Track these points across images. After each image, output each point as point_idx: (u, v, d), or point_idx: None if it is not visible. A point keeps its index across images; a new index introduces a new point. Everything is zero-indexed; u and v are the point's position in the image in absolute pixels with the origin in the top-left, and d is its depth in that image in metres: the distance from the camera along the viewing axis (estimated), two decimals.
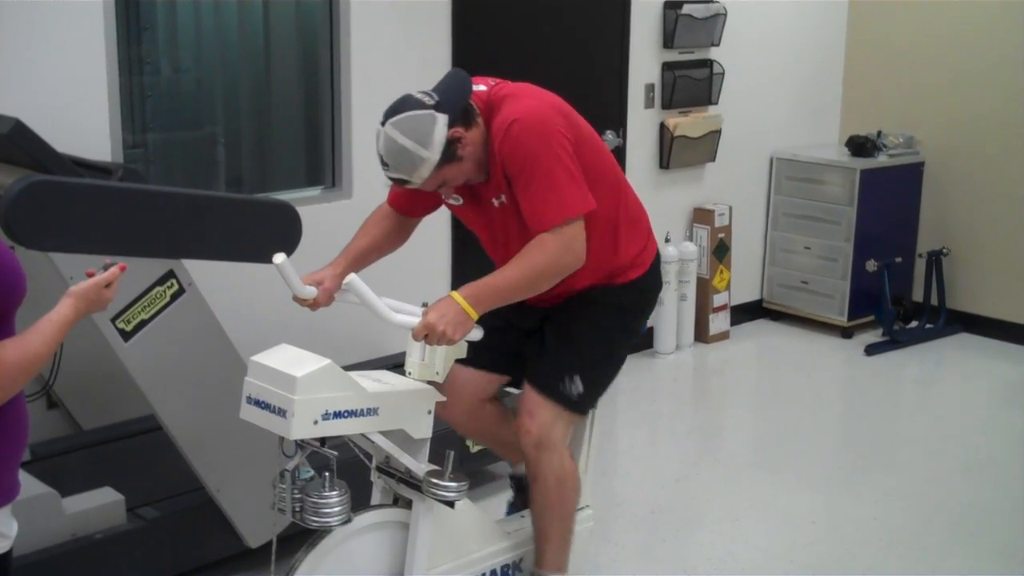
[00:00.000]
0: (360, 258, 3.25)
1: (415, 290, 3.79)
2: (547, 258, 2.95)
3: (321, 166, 5.12)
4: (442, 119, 2.93)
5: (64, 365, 3.91)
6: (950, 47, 6.93)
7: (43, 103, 4.01)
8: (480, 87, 3.11)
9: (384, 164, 2.98)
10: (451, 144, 2.94)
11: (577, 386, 3.25)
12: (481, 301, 2.90)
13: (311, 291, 3.07)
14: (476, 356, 3.13)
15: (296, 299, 3.09)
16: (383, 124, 2.96)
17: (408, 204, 3.34)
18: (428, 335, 2.84)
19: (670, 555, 4.28)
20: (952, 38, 6.92)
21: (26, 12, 3.98)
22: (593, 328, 3.30)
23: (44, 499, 3.42)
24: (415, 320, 2.87)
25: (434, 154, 2.92)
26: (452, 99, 2.98)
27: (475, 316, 2.88)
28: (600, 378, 3.36)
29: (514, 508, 3.71)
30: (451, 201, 3.24)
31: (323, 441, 2.82)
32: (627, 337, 3.43)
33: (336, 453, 2.81)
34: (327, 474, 2.81)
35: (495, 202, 3.10)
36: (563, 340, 3.29)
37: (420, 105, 2.94)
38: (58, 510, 3.45)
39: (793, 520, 4.58)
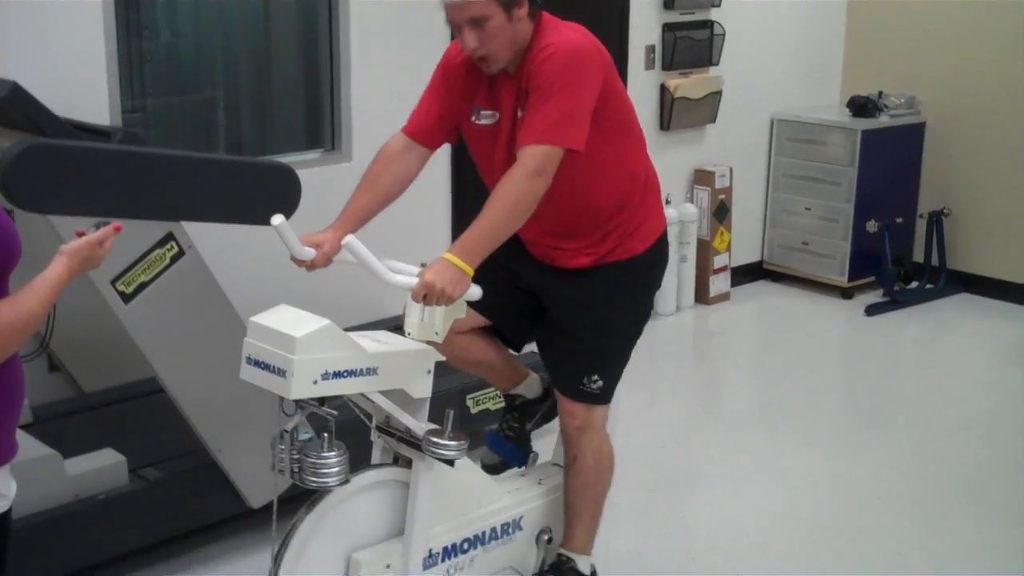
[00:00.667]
0: (362, 215, 3.22)
1: (416, 251, 3.78)
2: (517, 187, 2.93)
3: (321, 129, 5.11)
4: None
5: (64, 328, 3.92)
6: (951, 7, 6.90)
7: (42, 67, 4.01)
8: None
9: None
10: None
11: (597, 382, 3.34)
12: (471, 253, 2.89)
13: (309, 252, 3.07)
14: None
15: (294, 260, 3.09)
16: None
17: (429, 129, 3.28)
18: (427, 295, 2.84)
19: (671, 515, 4.31)
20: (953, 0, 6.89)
21: None
22: (603, 325, 3.33)
23: (46, 461, 3.45)
24: (413, 280, 2.87)
25: None
26: None
27: (470, 271, 2.87)
28: (616, 367, 3.42)
29: (497, 431, 3.74)
30: (483, 121, 3.20)
31: (322, 401, 2.82)
32: (638, 321, 3.44)
33: (335, 413, 2.82)
34: (325, 435, 2.81)
35: (519, 113, 3.09)
36: (576, 343, 3.34)
37: None
38: (60, 472, 3.47)
39: (793, 480, 4.60)
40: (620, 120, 3.17)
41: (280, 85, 5.18)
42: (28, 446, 3.49)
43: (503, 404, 3.79)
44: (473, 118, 3.21)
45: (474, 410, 4.45)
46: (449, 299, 2.85)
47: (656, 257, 3.40)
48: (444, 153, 5.21)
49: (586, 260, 3.27)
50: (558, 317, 3.39)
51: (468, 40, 3.01)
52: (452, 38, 5.19)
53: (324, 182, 4.54)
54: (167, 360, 3.47)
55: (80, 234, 2.42)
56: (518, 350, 3.62)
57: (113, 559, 3.62)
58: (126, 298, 3.34)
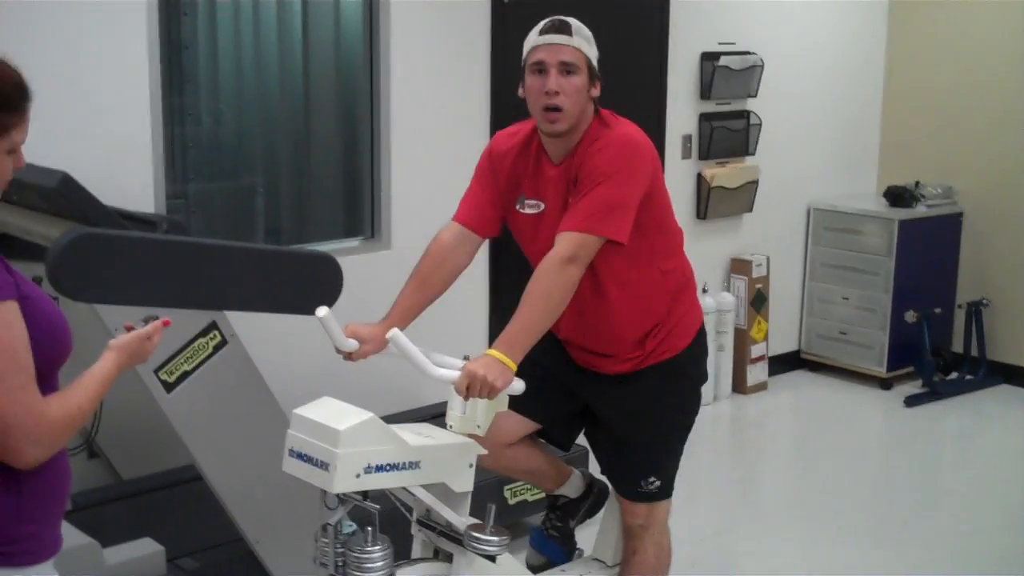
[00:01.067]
0: (412, 313, 3.23)
1: (452, 340, 3.79)
2: (549, 278, 2.95)
3: (360, 217, 5.15)
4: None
5: (105, 416, 3.94)
6: (987, 97, 6.92)
7: (90, 155, 4.07)
8: None
9: (560, 19, 3.07)
10: (597, 74, 3.09)
11: (655, 483, 3.36)
12: (514, 347, 2.89)
13: (352, 344, 3.08)
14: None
15: (338, 351, 3.11)
16: None
17: (481, 216, 3.29)
18: (470, 385, 2.84)
19: None
20: (988, 87, 6.91)
21: (74, 67, 4.05)
22: (654, 427, 3.35)
23: (85, 550, 3.42)
24: (456, 374, 2.87)
25: (594, 54, 3.08)
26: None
27: (513, 365, 2.87)
28: (671, 464, 3.43)
29: (541, 530, 3.72)
30: (528, 210, 3.21)
31: (365, 494, 2.81)
32: (687, 416, 3.45)
33: (378, 507, 2.81)
34: (369, 528, 2.80)
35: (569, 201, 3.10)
36: (629, 447, 3.35)
37: None
38: (99, 561, 3.45)
39: (833, 573, 4.53)
40: (659, 223, 3.18)
41: (320, 172, 5.24)
42: (67, 534, 3.44)
43: (542, 496, 3.77)
44: (518, 207, 3.24)
45: (512, 501, 4.42)
46: (493, 390, 2.84)
47: (697, 351, 3.39)
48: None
49: (628, 366, 3.28)
50: (607, 422, 3.39)
51: (552, 82, 3.04)
52: (492, 130, 5.30)
53: (364, 270, 4.58)
54: (208, 449, 3.46)
55: (128, 328, 2.43)
56: (567, 450, 3.62)
57: None
58: (168, 387, 3.35)
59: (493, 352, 2.88)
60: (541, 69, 3.06)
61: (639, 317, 3.22)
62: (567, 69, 3.03)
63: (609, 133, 3.06)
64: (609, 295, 3.14)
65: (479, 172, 3.34)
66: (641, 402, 3.30)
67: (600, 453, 3.48)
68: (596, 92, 3.10)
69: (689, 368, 3.37)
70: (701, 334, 3.40)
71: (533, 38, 3.09)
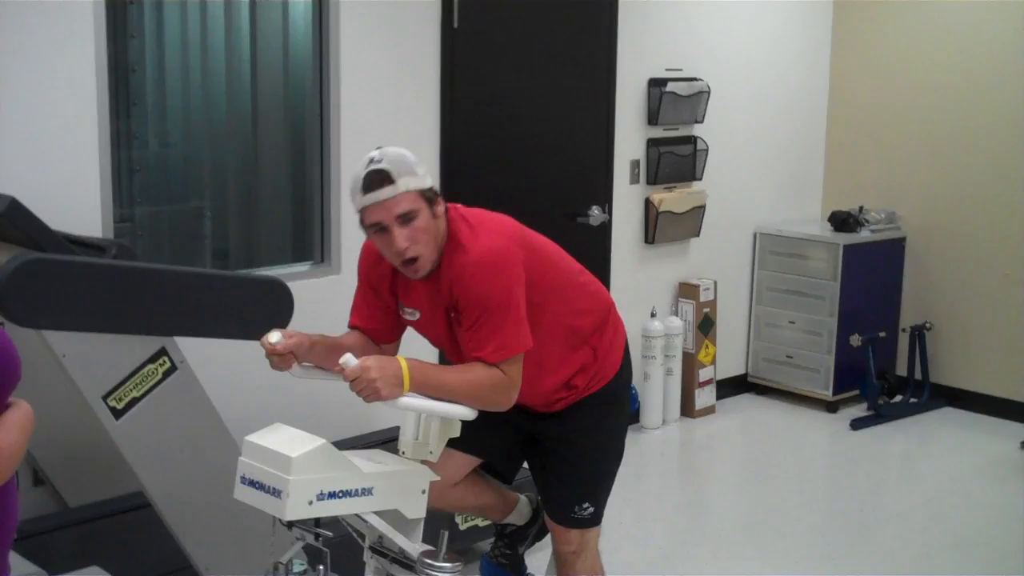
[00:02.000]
0: (339, 348, 3.09)
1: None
2: (489, 390, 2.98)
3: (309, 241, 5.12)
4: (431, 179, 3.03)
5: (50, 442, 3.90)
6: (929, 123, 7.03)
7: (36, 180, 4.03)
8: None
9: (375, 161, 2.93)
10: (434, 193, 2.99)
11: (588, 509, 3.39)
12: (420, 383, 2.87)
13: (276, 336, 2.99)
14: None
15: (265, 342, 2.99)
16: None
17: (372, 320, 3.24)
18: (358, 379, 2.78)
19: None
20: (931, 115, 7.02)
21: (18, 90, 4.01)
22: (589, 455, 3.39)
23: None
24: (354, 361, 2.81)
25: (425, 179, 2.97)
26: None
27: (407, 389, 2.84)
28: (605, 491, 3.47)
29: (489, 558, 3.74)
30: (408, 317, 3.20)
31: (317, 521, 2.80)
32: (620, 440, 3.51)
33: (328, 551, 2.79)
34: (321, 567, 2.79)
35: (452, 315, 3.08)
36: (566, 476, 3.39)
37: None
38: None
39: None
40: (548, 287, 3.16)
41: (268, 196, 5.21)
42: (14, 563, 3.42)
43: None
44: (401, 313, 3.23)
45: (463, 527, 4.41)
46: (373, 395, 2.80)
47: (625, 376, 3.46)
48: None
49: (561, 405, 3.33)
50: (545, 452, 3.43)
51: (399, 241, 2.93)
52: (443, 153, 5.31)
53: (314, 294, 4.56)
54: (156, 476, 3.43)
55: None
56: (509, 482, 3.64)
57: None
58: (117, 414, 3.32)
59: (403, 363, 2.85)
60: (382, 228, 2.96)
61: (560, 374, 3.26)
62: (408, 218, 2.93)
63: (468, 253, 2.98)
64: (526, 369, 3.10)
65: (361, 279, 3.29)
66: (576, 431, 3.35)
67: (540, 478, 3.49)
68: (440, 209, 3.01)
69: (619, 393, 3.44)
70: (626, 356, 3.44)
71: (359, 196, 2.95)
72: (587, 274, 3.39)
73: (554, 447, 3.40)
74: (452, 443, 3.08)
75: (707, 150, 6.63)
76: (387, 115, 5.15)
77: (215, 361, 3.91)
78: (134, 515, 4.04)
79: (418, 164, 2.98)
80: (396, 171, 2.92)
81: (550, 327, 3.16)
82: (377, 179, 2.91)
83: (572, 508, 3.37)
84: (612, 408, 3.41)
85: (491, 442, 3.40)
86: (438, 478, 3.05)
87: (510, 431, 3.42)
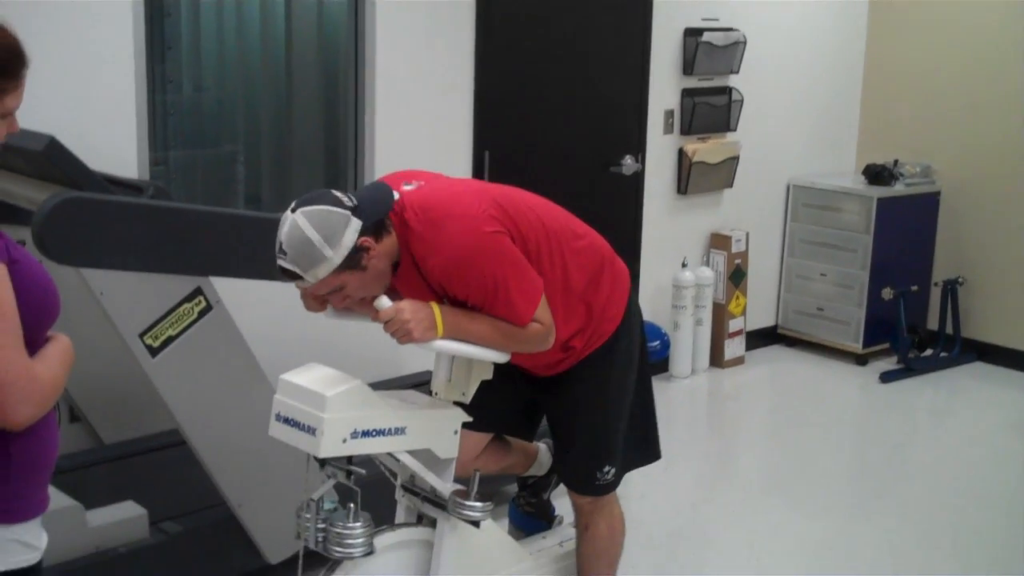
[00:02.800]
0: None
1: None
2: (522, 341, 2.95)
3: (343, 184, 5.15)
4: (355, 223, 2.75)
5: (85, 379, 3.95)
6: (966, 77, 6.97)
7: (74, 120, 4.06)
8: (404, 188, 2.97)
9: (281, 253, 2.78)
10: (357, 251, 2.77)
11: (609, 472, 3.33)
12: (452, 329, 2.85)
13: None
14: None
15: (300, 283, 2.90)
16: (293, 211, 2.77)
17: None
18: (392, 320, 2.77)
19: None
20: (968, 69, 6.95)
21: (57, 32, 4.03)
22: (600, 414, 3.29)
23: (68, 512, 3.45)
24: (388, 302, 2.79)
25: (338, 256, 2.74)
26: (370, 209, 2.81)
27: (441, 333, 2.83)
28: (628, 448, 3.38)
29: (516, 506, 3.76)
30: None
31: (350, 459, 2.84)
32: (637, 387, 3.37)
33: (359, 489, 2.82)
34: (351, 505, 2.82)
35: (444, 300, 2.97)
36: (580, 440, 3.32)
37: (337, 203, 2.77)
38: (82, 523, 3.47)
39: (808, 545, 4.59)
40: (533, 250, 3.03)
41: (301, 139, 5.23)
42: (51, 496, 3.49)
43: None
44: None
45: None
46: (406, 337, 2.78)
47: (629, 324, 3.29)
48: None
49: (562, 368, 3.24)
50: (556, 420, 3.38)
51: (336, 303, 2.93)
52: (476, 96, 5.31)
53: None
54: (191, 413, 3.48)
55: None
56: (531, 440, 3.63)
57: None
58: (153, 352, 3.35)
59: (436, 309, 2.83)
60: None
61: (557, 336, 3.12)
62: (334, 291, 2.86)
63: (441, 253, 2.84)
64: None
65: None
66: (584, 393, 3.26)
67: (558, 463, 3.46)
68: (373, 251, 2.81)
69: (625, 345, 3.28)
70: (631, 306, 3.30)
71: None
72: (580, 225, 3.23)
73: (564, 416, 3.34)
74: (464, 426, 3.05)
75: (742, 101, 6.59)
76: (421, 62, 5.15)
77: (250, 302, 3.94)
78: (168, 452, 4.12)
79: (328, 241, 2.73)
80: (302, 266, 2.76)
81: (555, 290, 3.09)
82: (288, 274, 2.82)
83: (594, 475, 3.31)
84: (617, 364, 3.27)
85: (501, 417, 3.37)
86: (470, 419, 3.06)
87: (519, 401, 3.39)
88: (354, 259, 2.77)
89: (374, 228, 2.82)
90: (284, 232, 2.77)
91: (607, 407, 3.29)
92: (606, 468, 3.30)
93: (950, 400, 6.68)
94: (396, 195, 2.91)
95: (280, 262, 2.79)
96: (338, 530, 2.82)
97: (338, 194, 2.82)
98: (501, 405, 3.31)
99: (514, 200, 3.04)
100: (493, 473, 3.56)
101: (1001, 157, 6.87)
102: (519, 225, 2.97)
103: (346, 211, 2.76)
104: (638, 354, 3.36)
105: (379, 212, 2.84)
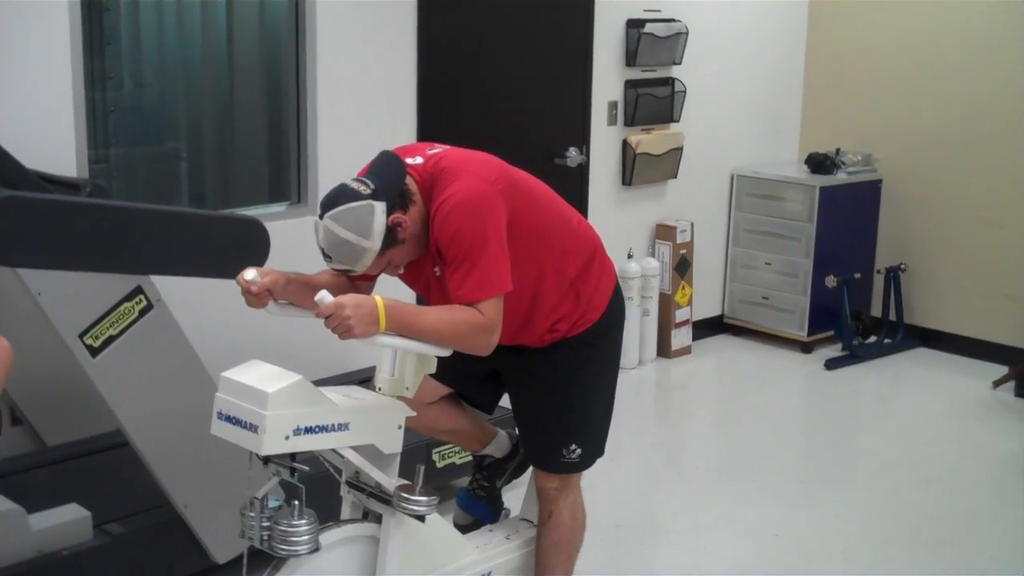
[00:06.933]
0: (315, 286, 3.04)
1: None
2: (467, 330, 2.93)
3: (286, 181, 5.12)
4: (380, 207, 2.87)
5: (27, 381, 3.90)
6: (906, 66, 7.04)
7: (8, 119, 4.01)
8: (416, 159, 3.05)
9: (327, 256, 2.91)
10: (391, 231, 2.90)
11: (576, 451, 3.35)
12: (396, 321, 2.85)
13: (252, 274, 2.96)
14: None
15: (241, 280, 2.96)
16: (321, 217, 2.88)
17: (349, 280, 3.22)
18: (332, 316, 2.76)
19: (635, 567, 4.32)
20: (908, 58, 7.03)
21: None
22: (573, 394, 3.32)
23: (10, 516, 3.41)
24: (329, 296, 2.79)
25: (375, 243, 2.87)
26: (388, 185, 2.93)
27: (383, 328, 2.83)
28: (596, 431, 3.42)
29: (467, 491, 3.74)
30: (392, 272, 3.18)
31: (294, 456, 2.82)
32: (609, 380, 3.44)
33: (303, 487, 2.82)
34: (296, 503, 2.81)
35: (436, 271, 3.07)
36: (547, 415, 3.34)
37: (356, 196, 2.88)
38: (24, 527, 3.43)
39: (756, 532, 4.62)
40: (532, 229, 3.10)
41: (244, 137, 5.19)
42: None
43: (470, 460, 3.79)
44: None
45: (440, 464, 4.45)
46: (347, 333, 2.77)
47: (613, 318, 3.37)
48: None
49: (541, 345, 3.27)
50: (526, 393, 3.39)
51: (390, 273, 3.08)
52: (420, 89, 5.30)
53: (290, 235, 4.55)
54: (134, 414, 3.45)
55: None
56: (490, 412, 3.62)
57: None
58: (94, 352, 3.32)
59: (379, 302, 2.83)
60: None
61: (543, 318, 3.21)
62: (387, 265, 3.00)
63: (445, 199, 2.94)
64: (510, 303, 3.06)
65: None
66: (559, 372, 3.29)
67: (522, 424, 3.45)
68: (406, 219, 2.94)
69: (605, 334, 3.34)
70: (616, 298, 3.37)
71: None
72: (575, 214, 3.33)
73: (535, 392, 3.35)
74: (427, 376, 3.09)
75: (685, 92, 6.62)
76: (364, 56, 5.13)
77: (192, 300, 3.91)
78: (112, 453, 4.08)
79: (363, 235, 2.86)
80: (349, 263, 2.92)
81: (532, 267, 3.13)
82: (342, 272, 3.01)
83: (559, 452, 3.32)
84: (596, 347, 3.32)
85: (466, 372, 3.38)
86: (414, 414, 3.06)
87: (484, 368, 3.38)
88: (391, 237, 2.91)
89: (400, 201, 2.94)
90: (321, 239, 2.90)
91: (580, 388, 3.33)
92: (572, 446, 3.33)
93: (894, 386, 6.75)
94: (419, 159, 3.04)
95: (331, 265, 2.95)
96: (283, 528, 2.80)
97: (354, 185, 2.92)
98: (465, 366, 3.30)
99: (520, 182, 3.15)
100: (443, 432, 3.59)
101: (941, 145, 6.95)
102: (518, 207, 3.05)
103: (367, 200, 2.88)
104: (619, 349, 3.47)
105: (397, 184, 2.96)
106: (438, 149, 3.10)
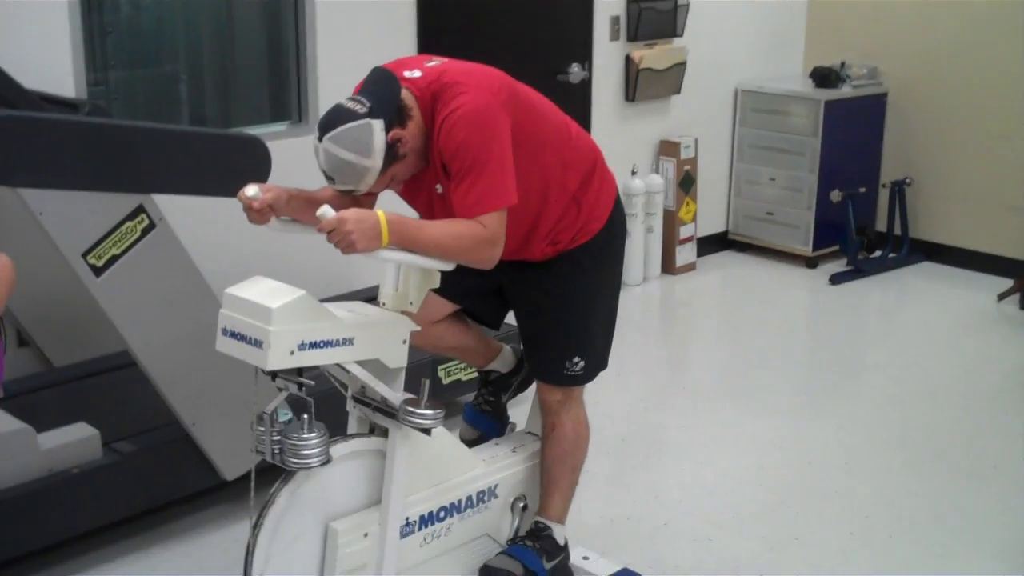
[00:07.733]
0: (317, 201, 3.02)
1: None
2: (469, 243, 2.92)
3: (287, 101, 5.09)
4: (378, 125, 2.86)
5: (33, 302, 3.91)
6: None
7: (8, 39, 3.97)
8: (415, 72, 3.02)
9: (329, 178, 2.90)
10: (392, 147, 2.89)
11: (579, 364, 3.36)
12: (399, 235, 2.84)
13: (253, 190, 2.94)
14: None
15: (242, 196, 2.95)
16: (320, 140, 2.87)
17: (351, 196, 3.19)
18: (334, 231, 2.75)
19: (640, 481, 4.35)
20: None
21: None
22: (575, 306, 3.33)
23: (19, 435, 3.44)
24: (332, 212, 2.77)
25: (377, 161, 2.87)
26: (383, 101, 2.90)
27: (386, 242, 2.82)
28: (598, 344, 3.43)
29: (473, 405, 3.76)
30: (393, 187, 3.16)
31: (300, 371, 2.83)
32: (612, 293, 3.45)
33: (312, 383, 2.83)
34: (305, 416, 2.82)
35: (438, 188, 3.06)
36: (550, 328, 3.34)
37: (353, 115, 2.85)
38: (34, 446, 3.46)
39: (760, 445, 4.65)
40: (534, 140, 3.09)
41: (244, 56, 5.15)
42: (2, 421, 3.49)
43: (475, 376, 3.81)
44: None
45: (446, 381, 4.48)
46: (349, 248, 2.76)
47: (614, 229, 3.37)
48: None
49: (542, 257, 3.27)
50: (529, 307, 3.39)
51: (394, 188, 3.08)
52: (420, 7, 5.24)
53: (291, 154, 4.51)
54: (139, 333, 3.46)
55: None
56: (496, 328, 3.63)
57: (87, 532, 3.63)
58: (97, 271, 3.32)
59: (381, 216, 2.81)
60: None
61: (544, 229, 3.20)
62: (390, 180, 2.98)
63: (450, 111, 2.92)
64: (510, 225, 3.05)
65: None
66: (561, 283, 3.30)
67: (526, 336, 3.45)
68: (405, 134, 2.93)
69: (607, 245, 3.35)
70: (617, 209, 3.37)
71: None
72: (575, 126, 3.31)
73: (537, 304, 3.36)
74: (432, 291, 3.09)
75: (688, 5, 6.54)
76: None
77: (194, 218, 3.90)
78: (119, 373, 4.09)
79: (363, 154, 2.85)
80: (352, 184, 2.90)
81: (536, 180, 3.12)
82: (345, 193, 2.99)
83: (562, 364, 3.34)
84: (598, 258, 3.33)
85: (471, 287, 3.38)
86: (418, 328, 3.07)
87: (490, 283, 3.40)
88: (392, 154, 2.91)
89: (398, 117, 2.91)
90: (322, 162, 2.89)
91: (582, 300, 3.33)
92: (575, 359, 3.34)
93: (899, 300, 6.76)
94: (418, 72, 3.00)
95: (334, 187, 2.94)
96: (293, 441, 2.82)
97: (349, 105, 2.89)
98: (470, 283, 3.32)
99: (521, 94, 3.12)
100: (449, 348, 3.60)
101: (947, 57, 6.88)
102: (521, 119, 3.04)
103: (364, 119, 2.85)
104: (621, 261, 3.47)
105: (393, 100, 2.93)
106: (436, 62, 3.07)
